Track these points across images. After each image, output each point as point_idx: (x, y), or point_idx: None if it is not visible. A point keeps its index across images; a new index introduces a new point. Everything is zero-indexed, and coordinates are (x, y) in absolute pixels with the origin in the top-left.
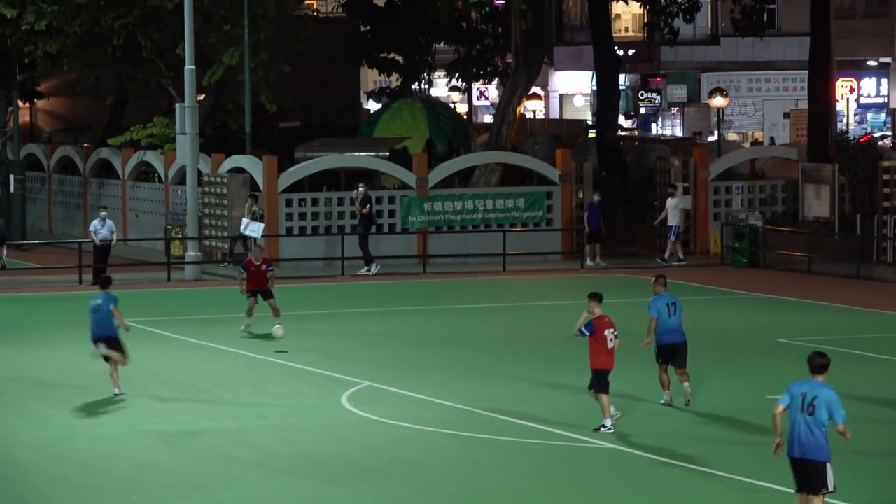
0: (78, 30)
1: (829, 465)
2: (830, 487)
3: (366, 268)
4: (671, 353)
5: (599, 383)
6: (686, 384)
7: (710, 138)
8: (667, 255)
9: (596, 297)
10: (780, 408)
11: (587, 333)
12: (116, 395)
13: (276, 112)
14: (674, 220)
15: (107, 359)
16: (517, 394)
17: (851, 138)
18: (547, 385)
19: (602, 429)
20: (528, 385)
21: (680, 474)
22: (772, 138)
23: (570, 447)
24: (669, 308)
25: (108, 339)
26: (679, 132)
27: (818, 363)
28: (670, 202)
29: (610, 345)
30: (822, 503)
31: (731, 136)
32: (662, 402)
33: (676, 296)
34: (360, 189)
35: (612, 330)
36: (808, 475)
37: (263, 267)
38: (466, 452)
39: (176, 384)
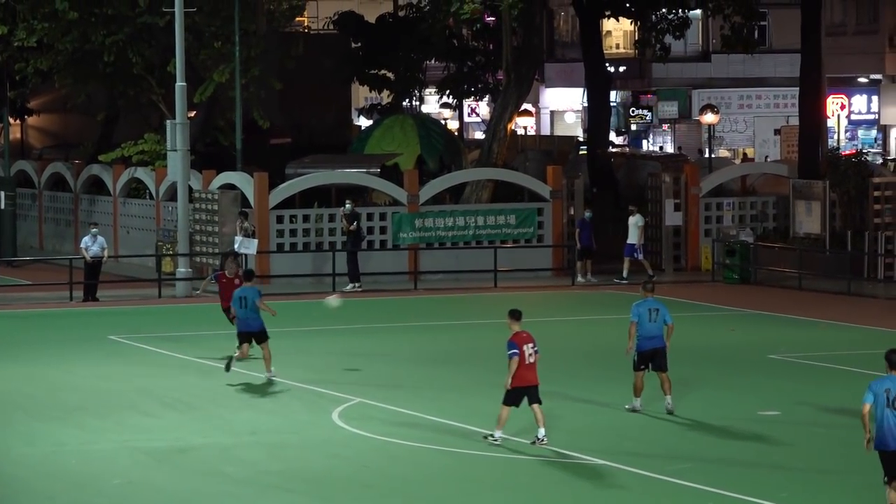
0: (69, 46)
1: None
2: None
3: (350, 284)
4: (650, 358)
5: (509, 397)
6: (668, 397)
7: (707, 155)
8: (651, 270)
9: (513, 313)
10: (867, 406)
11: (517, 353)
12: (271, 377)
13: (267, 128)
14: (633, 237)
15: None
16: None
17: (838, 154)
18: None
19: (490, 438)
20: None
21: (670, 490)
22: (740, 156)
23: (561, 463)
24: (651, 313)
25: (256, 333)
26: (670, 149)
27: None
28: (630, 220)
29: (529, 360)
30: None
31: (722, 152)
32: (627, 407)
33: (661, 302)
34: (347, 206)
35: (531, 345)
36: None
37: (237, 281)
38: (457, 468)
39: (167, 400)
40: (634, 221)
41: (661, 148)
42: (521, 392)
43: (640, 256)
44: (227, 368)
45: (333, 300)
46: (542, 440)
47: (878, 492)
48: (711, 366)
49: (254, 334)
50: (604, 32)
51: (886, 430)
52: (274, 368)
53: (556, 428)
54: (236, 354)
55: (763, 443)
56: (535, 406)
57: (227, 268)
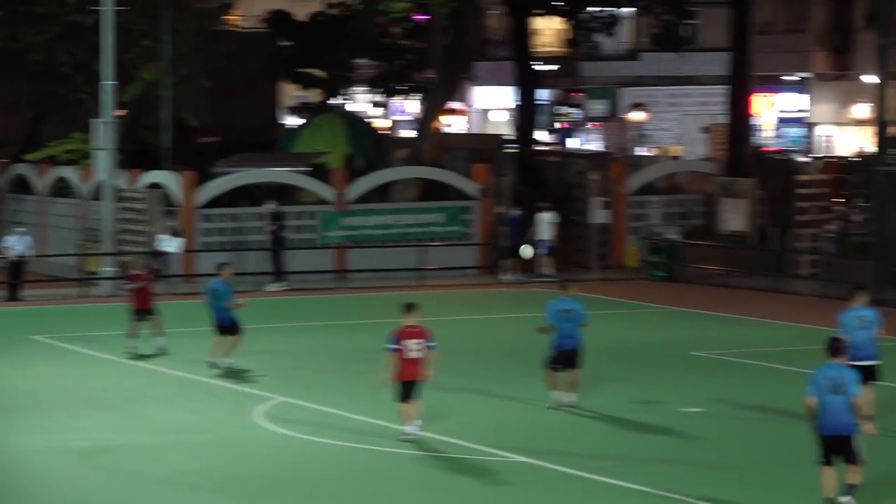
0: None
1: (856, 437)
2: (862, 457)
3: (275, 284)
4: (567, 358)
5: (398, 393)
6: (573, 395)
7: (650, 152)
8: (545, 270)
9: (405, 306)
10: (810, 399)
11: (395, 347)
12: (221, 363)
13: (195, 127)
14: (545, 234)
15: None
16: (431, 407)
17: (764, 152)
18: (461, 399)
19: (403, 436)
20: (442, 399)
21: (593, 487)
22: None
23: (484, 461)
24: (565, 313)
25: (229, 326)
26: (599, 147)
27: (836, 347)
28: (543, 217)
29: (411, 355)
30: (860, 472)
31: (650, 150)
32: (550, 405)
33: (577, 301)
34: (269, 205)
35: (417, 340)
36: (843, 449)
37: (147, 277)
38: (379, 467)
39: (89, 400)
40: (548, 218)
41: (579, 146)
42: (406, 387)
43: (545, 252)
44: (214, 366)
45: (528, 250)
46: (409, 435)
47: (798, 487)
48: (635, 363)
49: (224, 327)
50: (534, 31)
51: (828, 416)
52: (232, 360)
53: (480, 426)
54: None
55: (686, 439)
56: (410, 405)
57: (135, 265)
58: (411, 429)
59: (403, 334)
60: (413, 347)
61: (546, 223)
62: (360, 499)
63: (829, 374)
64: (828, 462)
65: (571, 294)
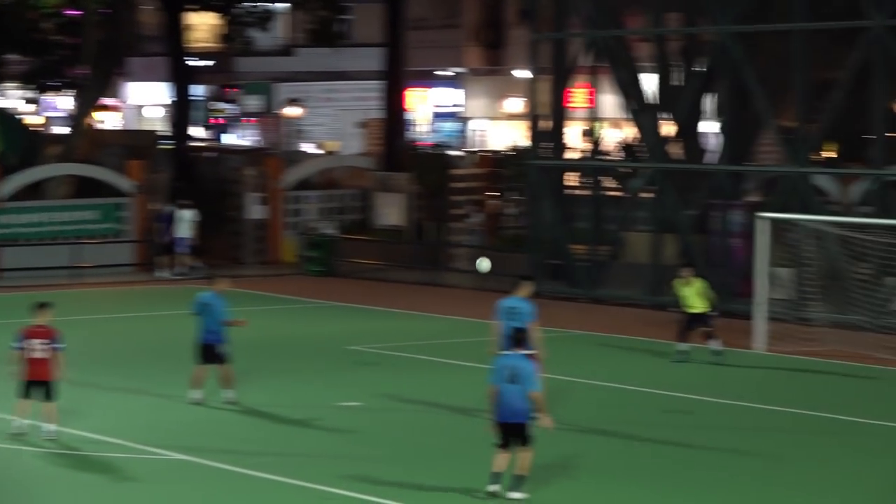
0: None
1: (530, 425)
2: (531, 441)
3: None
4: (209, 352)
5: (20, 390)
6: (229, 391)
7: (307, 148)
8: (177, 270)
9: (36, 306)
10: (492, 387)
11: (19, 346)
12: None
13: None
14: (185, 232)
15: None
16: (82, 406)
17: (419, 146)
18: (113, 397)
19: (13, 430)
20: (94, 396)
21: (250, 484)
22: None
23: (140, 459)
24: (206, 307)
25: None
26: (256, 142)
27: (517, 337)
28: (184, 214)
29: (35, 355)
30: (529, 454)
31: (309, 146)
32: (190, 400)
33: (220, 296)
34: None
35: (41, 340)
36: (517, 434)
37: None
38: (28, 467)
39: None
40: (188, 216)
41: (235, 142)
42: (28, 385)
43: (186, 250)
44: None
45: (484, 263)
46: (17, 429)
47: (459, 474)
48: (292, 358)
49: None
50: (188, 26)
51: (504, 403)
52: None
53: (133, 424)
54: None
55: (344, 433)
56: (46, 404)
57: None
58: (19, 424)
59: (29, 333)
60: (37, 347)
61: (186, 221)
62: (4, 500)
63: (508, 363)
64: (505, 446)
65: (217, 289)
